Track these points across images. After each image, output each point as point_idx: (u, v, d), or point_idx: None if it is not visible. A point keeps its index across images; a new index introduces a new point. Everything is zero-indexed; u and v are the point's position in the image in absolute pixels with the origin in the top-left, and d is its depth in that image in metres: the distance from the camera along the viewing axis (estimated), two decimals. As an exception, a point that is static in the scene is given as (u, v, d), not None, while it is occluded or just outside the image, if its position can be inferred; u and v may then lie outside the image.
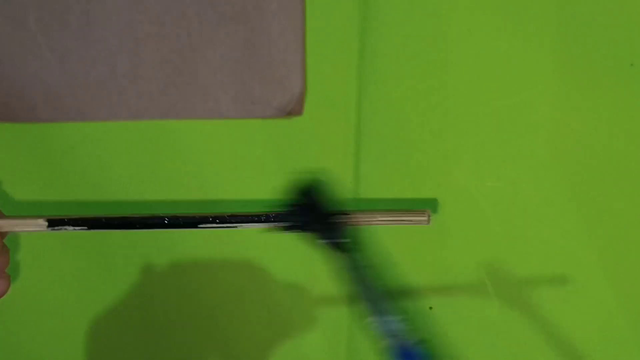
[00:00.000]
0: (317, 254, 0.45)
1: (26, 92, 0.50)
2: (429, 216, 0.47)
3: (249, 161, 0.52)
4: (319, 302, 0.53)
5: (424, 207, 0.49)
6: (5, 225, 0.47)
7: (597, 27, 0.49)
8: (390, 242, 0.51)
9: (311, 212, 0.45)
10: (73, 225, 0.47)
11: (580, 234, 0.50)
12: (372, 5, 0.50)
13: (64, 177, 0.52)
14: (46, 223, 0.47)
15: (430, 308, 0.51)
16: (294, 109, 0.50)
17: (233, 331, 0.54)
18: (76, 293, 0.54)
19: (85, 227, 0.47)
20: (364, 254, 0.45)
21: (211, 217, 0.47)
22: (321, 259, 0.45)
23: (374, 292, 0.44)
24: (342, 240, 0.44)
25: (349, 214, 0.46)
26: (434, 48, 0.50)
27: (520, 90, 0.50)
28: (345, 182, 0.51)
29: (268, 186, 0.52)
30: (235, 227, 0.47)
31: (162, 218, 0.47)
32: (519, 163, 0.50)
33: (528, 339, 0.51)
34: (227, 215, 0.47)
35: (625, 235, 0.50)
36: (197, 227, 0.47)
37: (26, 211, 0.52)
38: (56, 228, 0.47)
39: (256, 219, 0.47)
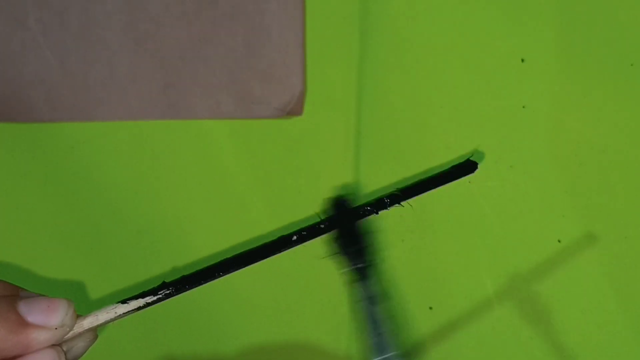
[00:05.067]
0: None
1: (26, 92, 0.50)
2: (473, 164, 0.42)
3: (249, 161, 0.52)
4: None
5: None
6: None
7: (597, 27, 0.49)
8: (389, 241, 0.51)
9: (346, 232, 0.41)
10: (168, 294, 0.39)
11: (581, 235, 0.50)
12: (372, 5, 0.50)
13: (64, 177, 0.52)
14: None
15: (430, 308, 0.51)
16: (294, 109, 0.50)
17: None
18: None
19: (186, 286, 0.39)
20: (382, 286, 0.44)
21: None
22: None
23: (381, 326, 0.42)
24: (368, 266, 0.42)
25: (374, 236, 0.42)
26: (434, 48, 0.50)
27: (521, 90, 0.50)
28: (345, 182, 0.51)
29: (268, 186, 0.52)
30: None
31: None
32: (519, 163, 0.50)
33: (528, 339, 0.51)
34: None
35: (625, 235, 0.50)
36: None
37: (25, 212, 0.52)
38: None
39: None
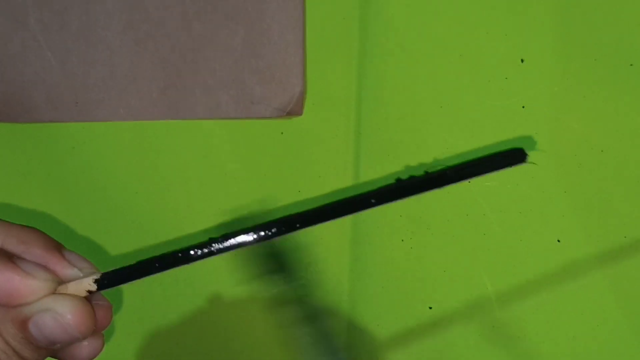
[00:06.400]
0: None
1: (26, 92, 0.50)
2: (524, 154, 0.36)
3: (249, 161, 0.52)
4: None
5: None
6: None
7: (597, 27, 0.49)
8: (389, 241, 0.51)
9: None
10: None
11: (580, 234, 0.50)
12: (372, 5, 0.50)
13: (64, 178, 0.52)
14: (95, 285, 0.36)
15: (430, 308, 0.51)
16: (294, 109, 0.50)
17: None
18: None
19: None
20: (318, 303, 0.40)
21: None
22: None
23: (328, 346, 0.39)
24: (300, 285, 0.38)
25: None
26: (434, 48, 0.50)
27: (520, 90, 0.50)
28: (345, 183, 0.51)
29: (268, 186, 0.52)
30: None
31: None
32: (519, 163, 0.50)
33: (527, 339, 0.51)
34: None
35: (625, 236, 0.50)
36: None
37: (25, 212, 0.52)
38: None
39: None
